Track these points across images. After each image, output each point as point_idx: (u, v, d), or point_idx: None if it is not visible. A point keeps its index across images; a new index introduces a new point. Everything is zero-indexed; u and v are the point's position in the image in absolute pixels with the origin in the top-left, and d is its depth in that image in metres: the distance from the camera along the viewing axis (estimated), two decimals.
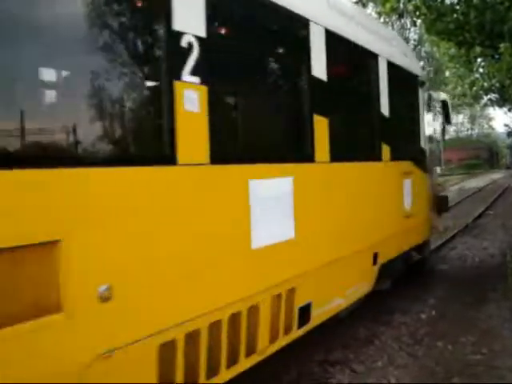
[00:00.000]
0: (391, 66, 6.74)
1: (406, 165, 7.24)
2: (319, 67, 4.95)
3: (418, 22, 17.74)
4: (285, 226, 4.37)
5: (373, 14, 23.20)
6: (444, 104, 9.19)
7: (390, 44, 7.18)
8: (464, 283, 8.41)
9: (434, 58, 48.40)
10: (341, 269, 5.23)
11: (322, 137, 4.91)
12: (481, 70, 21.24)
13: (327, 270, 4.96)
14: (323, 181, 5.01)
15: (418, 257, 8.02)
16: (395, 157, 6.62)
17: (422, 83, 8.26)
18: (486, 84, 21.65)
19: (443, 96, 9.37)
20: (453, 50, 19.76)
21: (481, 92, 24.44)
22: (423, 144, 8.20)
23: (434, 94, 9.14)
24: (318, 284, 4.87)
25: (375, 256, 6.13)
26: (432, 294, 7.72)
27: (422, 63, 53.14)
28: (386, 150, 6.39)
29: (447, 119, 9.35)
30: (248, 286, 3.91)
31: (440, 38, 17.21)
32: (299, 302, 4.57)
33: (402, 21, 39.33)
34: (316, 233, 4.83)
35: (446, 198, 9.63)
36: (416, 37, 49.37)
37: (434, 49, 32.88)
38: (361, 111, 6.42)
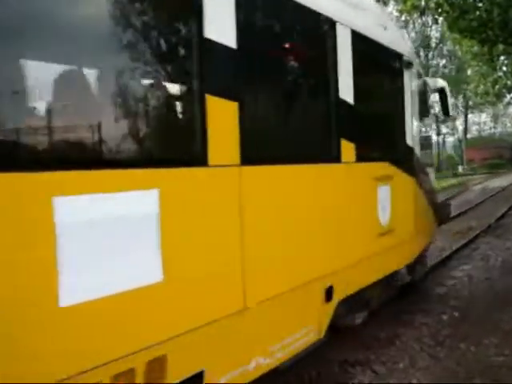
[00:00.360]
0: (359, 38, 5.16)
1: (382, 167, 5.69)
2: (220, 27, 3.49)
3: (440, 19, 17.62)
4: (142, 265, 2.91)
5: (394, 12, 23.08)
6: (442, 93, 7.83)
7: (360, 11, 5.53)
8: (487, 283, 8.30)
9: (456, 56, 47.94)
10: (261, 317, 3.80)
11: (223, 128, 3.48)
12: (504, 68, 21.06)
13: (233, 323, 3.53)
14: (226, 192, 3.55)
15: (407, 279, 6.81)
16: (364, 157, 5.17)
17: (409, 64, 6.54)
18: (509, 82, 21.43)
19: (441, 83, 7.89)
20: (475, 48, 19.58)
21: (504, 90, 24.17)
22: (410, 141, 6.49)
23: (430, 81, 7.72)
24: (218, 344, 3.42)
25: (329, 291, 4.69)
26: (453, 294, 7.64)
27: (444, 61, 52.82)
28: (347, 148, 4.92)
29: (445, 111, 8.03)
30: (56, 366, 2.49)
31: (462, 36, 17.06)
32: (179, 375, 3.13)
33: (424, 18, 39.04)
34: (210, 270, 3.35)
35: (448, 205, 8.49)
36: (438, 35, 49.07)
37: (457, 47, 32.47)
38: (303, 94, 4.82)
